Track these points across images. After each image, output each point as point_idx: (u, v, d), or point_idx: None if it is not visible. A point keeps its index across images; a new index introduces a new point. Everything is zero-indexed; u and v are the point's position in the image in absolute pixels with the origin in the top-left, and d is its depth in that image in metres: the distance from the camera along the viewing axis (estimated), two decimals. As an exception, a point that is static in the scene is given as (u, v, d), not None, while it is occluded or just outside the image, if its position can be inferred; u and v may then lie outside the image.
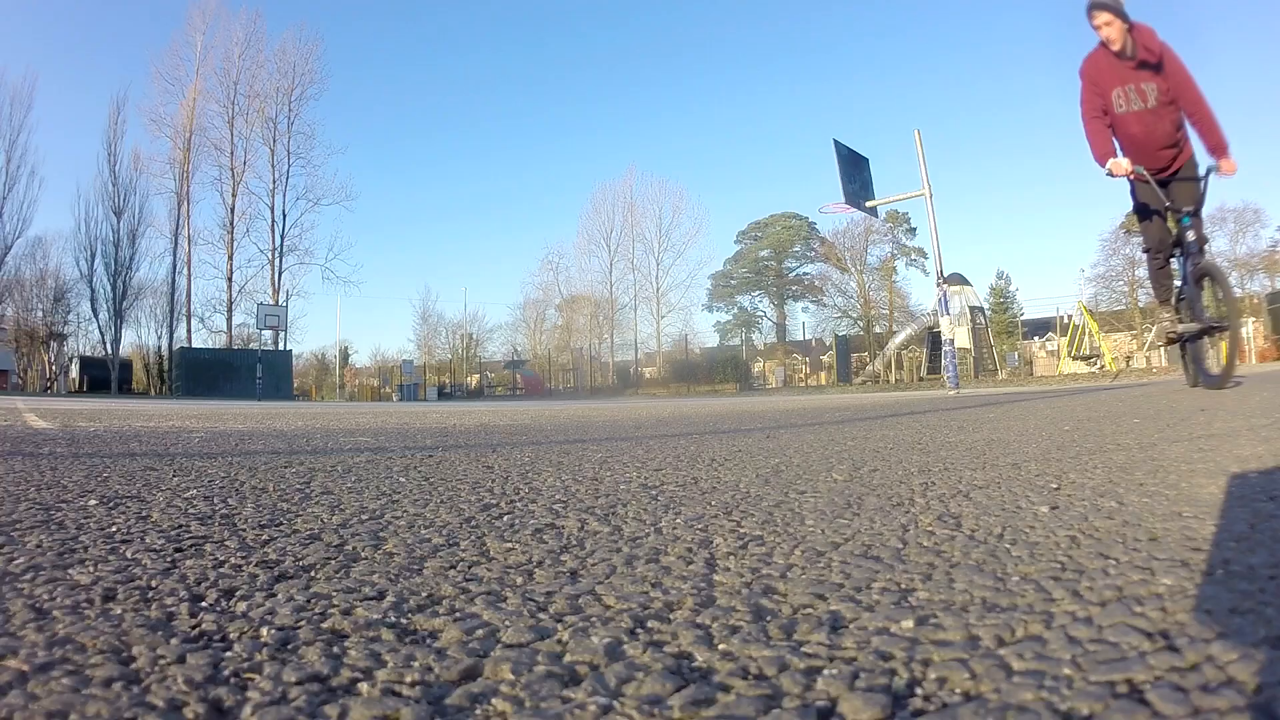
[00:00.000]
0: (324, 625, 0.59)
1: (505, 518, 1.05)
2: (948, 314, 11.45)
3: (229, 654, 0.52)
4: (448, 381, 37.67)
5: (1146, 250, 4.60)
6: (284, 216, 32.70)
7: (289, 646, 0.54)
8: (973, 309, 29.64)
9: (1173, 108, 4.20)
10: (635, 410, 5.74)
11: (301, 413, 6.10)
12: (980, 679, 0.46)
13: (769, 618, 0.59)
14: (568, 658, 0.52)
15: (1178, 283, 4.46)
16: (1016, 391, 8.74)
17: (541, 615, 0.61)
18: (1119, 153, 4.30)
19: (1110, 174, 4.24)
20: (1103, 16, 4.10)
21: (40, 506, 1.14)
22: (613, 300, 39.63)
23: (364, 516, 1.06)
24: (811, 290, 42.69)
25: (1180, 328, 4.41)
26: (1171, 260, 4.50)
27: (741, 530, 0.94)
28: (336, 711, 0.44)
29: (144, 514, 1.08)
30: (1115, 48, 4.13)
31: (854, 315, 38.39)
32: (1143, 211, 4.45)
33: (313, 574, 0.75)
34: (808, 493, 1.23)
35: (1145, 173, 4.24)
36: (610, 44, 63.61)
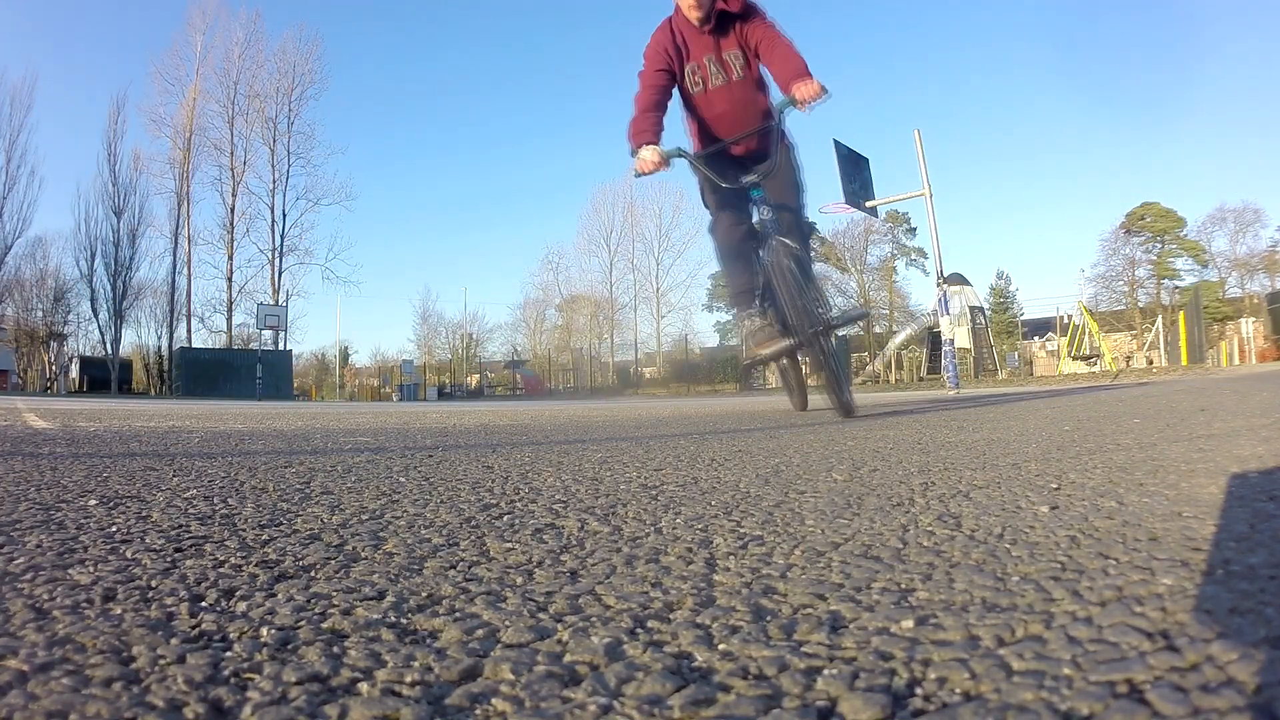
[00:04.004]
0: (324, 625, 0.59)
1: (505, 518, 1.05)
2: (948, 314, 11.44)
3: (229, 654, 0.52)
4: (448, 381, 37.68)
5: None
6: (284, 216, 32.72)
7: (289, 646, 0.54)
8: (973, 309, 29.66)
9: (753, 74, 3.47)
10: (635, 410, 5.74)
11: (301, 413, 6.09)
12: (980, 679, 0.46)
13: (769, 618, 0.59)
14: (568, 658, 0.52)
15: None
16: (1016, 391, 8.74)
17: (541, 615, 0.61)
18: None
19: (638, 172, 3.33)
20: None
21: (40, 506, 1.13)
22: (613, 300, 39.65)
23: (364, 516, 1.06)
24: (811, 290, 42.59)
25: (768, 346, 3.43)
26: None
27: (741, 530, 0.94)
28: (336, 711, 0.44)
29: (144, 514, 1.08)
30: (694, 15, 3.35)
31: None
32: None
33: (313, 574, 0.75)
34: (808, 493, 1.23)
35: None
36: (610, 43, 63.61)
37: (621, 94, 61.63)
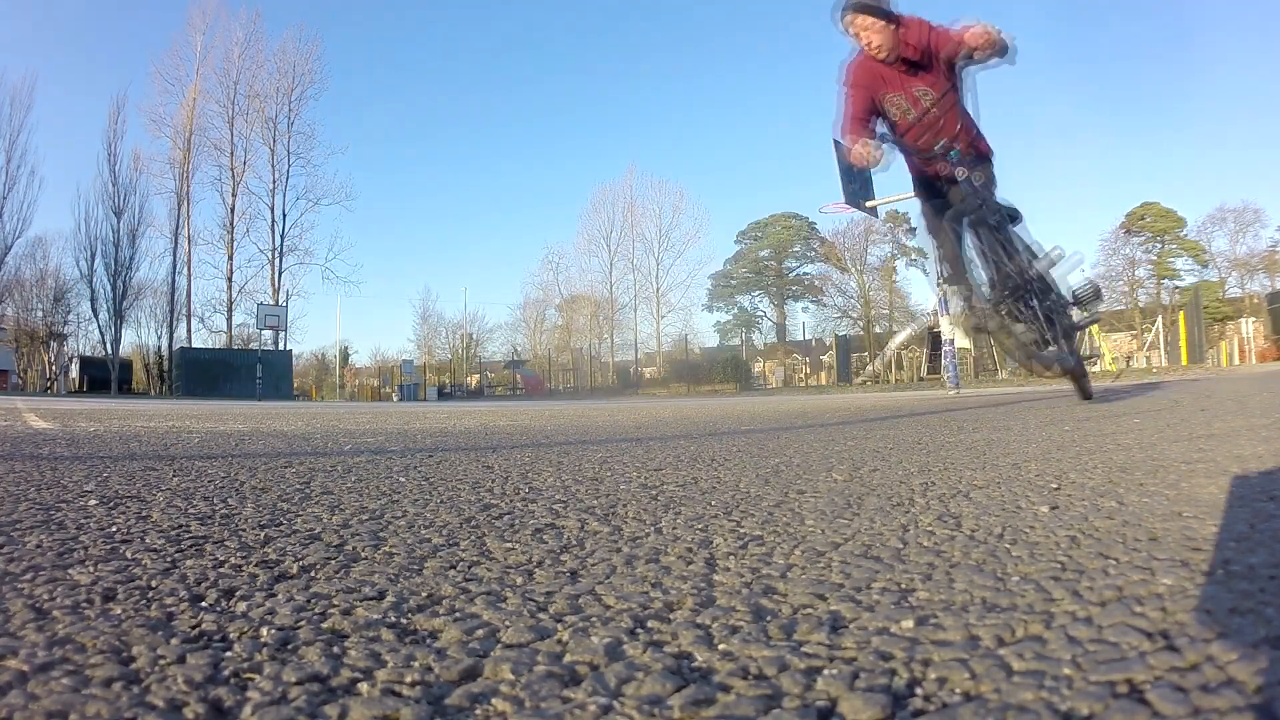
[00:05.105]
0: (324, 625, 0.59)
1: (505, 518, 1.05)
2: (948, 314, 11.43)
3: (229, 654, 0.52)
4: (448, 381, 37.65)
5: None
6: (284, 216, 32.71)
7: (289, 646, 0.54)
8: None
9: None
10: (635, 410, 5.74)
11: (301, 413, 6.09)
12: (980, 679, 0.46)
13: (769, 618, 0.59)
14: (568, 658, 0.52)
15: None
16: (1016, 391, 8.73)
17: (541, 615, 0.61)
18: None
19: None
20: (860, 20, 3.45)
21: (40, 506, 1.14)
22: (613, 300, 39.62)
23: (364, 516, 1.06)
24: (811, 290, 42.67)
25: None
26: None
27: (741, 530, 0.94)
28: (336, 711, 0.44)
29: (144, 514, 1.08)
30: (880, 55, 3.50)
31: (854, 315, 38.40)
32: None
33: (313, 574, 0.75)
34: (808, 493, 1.23)
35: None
36: (610, 45, 63.65)
37: (623, 95, 61.62)
